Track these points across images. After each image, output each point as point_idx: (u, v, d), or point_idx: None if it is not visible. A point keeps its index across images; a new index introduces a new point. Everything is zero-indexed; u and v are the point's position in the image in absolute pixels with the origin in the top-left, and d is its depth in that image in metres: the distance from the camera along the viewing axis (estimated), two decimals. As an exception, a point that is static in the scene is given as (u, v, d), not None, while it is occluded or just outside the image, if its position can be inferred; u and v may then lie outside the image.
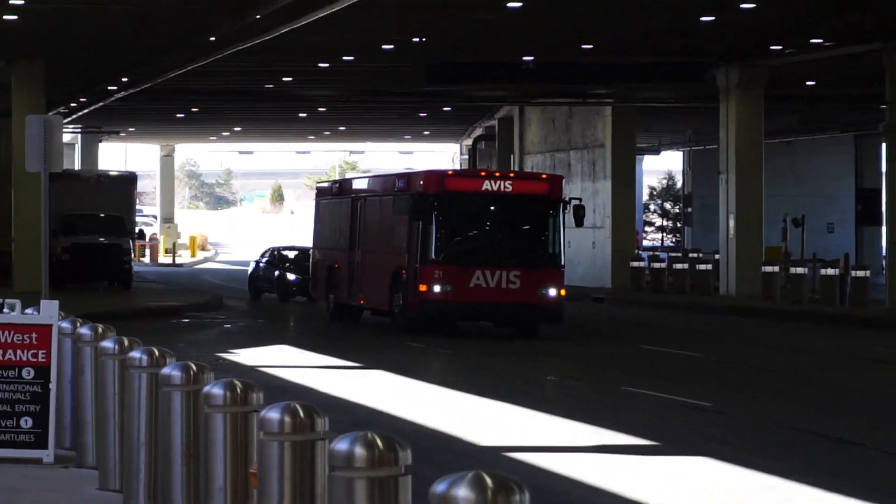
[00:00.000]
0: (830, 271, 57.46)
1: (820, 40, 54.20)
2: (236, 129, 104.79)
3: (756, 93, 60.32)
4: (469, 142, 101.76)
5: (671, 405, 27.51)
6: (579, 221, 42.01)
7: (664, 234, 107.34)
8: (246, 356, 35.04)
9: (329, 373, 32.31)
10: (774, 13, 47.64)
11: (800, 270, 60.04)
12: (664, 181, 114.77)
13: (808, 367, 36.13)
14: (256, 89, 71.38)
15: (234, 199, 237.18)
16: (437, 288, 39.10)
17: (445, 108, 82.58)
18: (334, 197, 51.30)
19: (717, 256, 64.09)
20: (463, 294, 38.97)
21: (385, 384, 30.41)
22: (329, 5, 37.96)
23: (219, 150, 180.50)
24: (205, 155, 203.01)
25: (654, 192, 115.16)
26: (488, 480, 7.51)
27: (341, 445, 8.94)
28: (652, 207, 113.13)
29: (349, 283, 46.23)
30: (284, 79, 67.87)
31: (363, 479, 8.88)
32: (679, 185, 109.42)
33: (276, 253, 62.19)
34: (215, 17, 43.55)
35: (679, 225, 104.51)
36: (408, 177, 44.45)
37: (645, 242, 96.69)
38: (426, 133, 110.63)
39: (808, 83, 66.64)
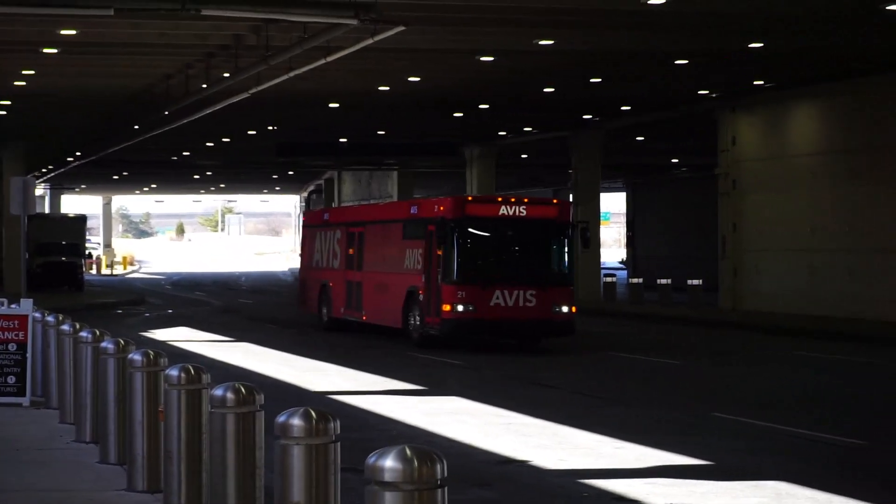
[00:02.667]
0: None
1: (530, 129, 54.78)
2: (153, 185, 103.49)
3: (490, 162, 60.72)
4: (305, 194, 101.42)
5: (437, 363, 27.50)
6: (586, 243, 32.25)
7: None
8: (159, 334, 34.49)
9: (214, 344, 31.95)
10: (502, 112, 48.01)
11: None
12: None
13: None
14: (166, 160, 70.56)
15: (152, 231, 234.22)
16: (459, 307, 29.74)
17: (290, 172, 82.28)
18: (325, 224, 39.67)
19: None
20: (483, 312, 29.90)
21: (252, 351, 30.13)
22: (210, 107, 37.75)
23: (141, 199, 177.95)
24: (132, 202, 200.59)
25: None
26: (312, 413, 7.51)
27: (217, 392, 8.89)
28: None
29: (347, 300, 36.08)
30: (184, 153, 67.30)
31: (232, 414, 8.84)
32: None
33: None
34: (138, 113, 43.07)
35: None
36: (421, 203, 33.70)
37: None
38: (277, 188, 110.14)
39: (524, 156, 67.21)
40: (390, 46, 29.08)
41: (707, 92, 42.45)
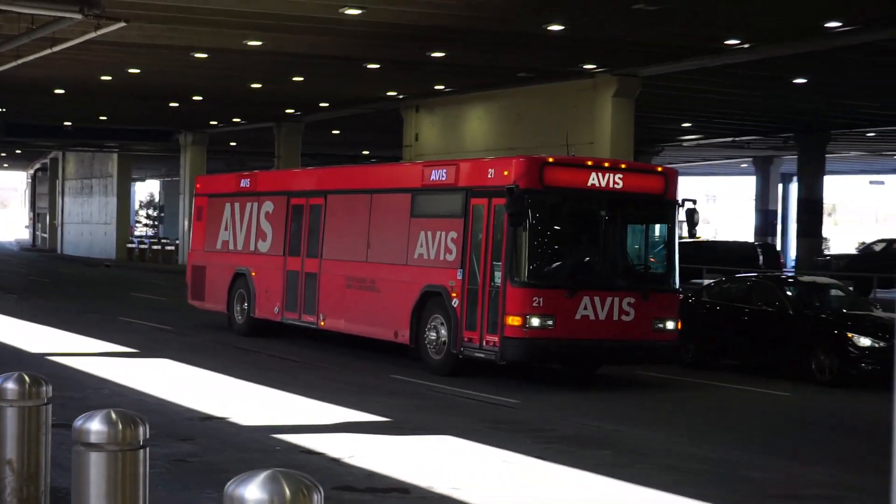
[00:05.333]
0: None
1: (238, 120, 54.16)
2: None
3: (201, 148, 59.80)
4: (32, 171, 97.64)
5: (150, 329, 26.81)
6: (693, 228, 20.92)
7: (148, 228, 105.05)
8: None
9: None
10: (213, 104, 47.27)
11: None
12: (148, 197, 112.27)
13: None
14: None
15: None
16: (535, 321, 17.97)
17: (17, 151, 79.06)
18: (242, 193, 26.34)
19: (177, 241, 63.29)
20: (566, 329, 18.19)
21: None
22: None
23: None
24: None
25: (143, 203, 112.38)
26: (25, 377, 7.19)
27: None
28: (141, 213, 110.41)
29: (287, 297, 24.00)
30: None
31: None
32: (157, 199, 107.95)
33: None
34: None
35: (156, 223, 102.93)
36: (455, 167, 20.37)
37: (137, 232, 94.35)
38: (5, 165, 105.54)
39: (232, 143, 66.43)
40: (112, 40, 28.27)
41: (395, 93, 42.75)
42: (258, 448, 12.60)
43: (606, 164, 19.32)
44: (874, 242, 48.32)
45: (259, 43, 31.04)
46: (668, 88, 37.68)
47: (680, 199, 19.97)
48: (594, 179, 18.95)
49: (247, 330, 25.37)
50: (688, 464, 12.61)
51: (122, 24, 24.64)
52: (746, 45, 29.44)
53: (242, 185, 26.72)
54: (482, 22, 27.50)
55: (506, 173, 18.72)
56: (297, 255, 24.07)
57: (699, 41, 29.04)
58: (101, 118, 55.31)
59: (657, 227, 20.05)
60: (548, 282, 18.33)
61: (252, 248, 25.69)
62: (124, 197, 70.67)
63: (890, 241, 45.77)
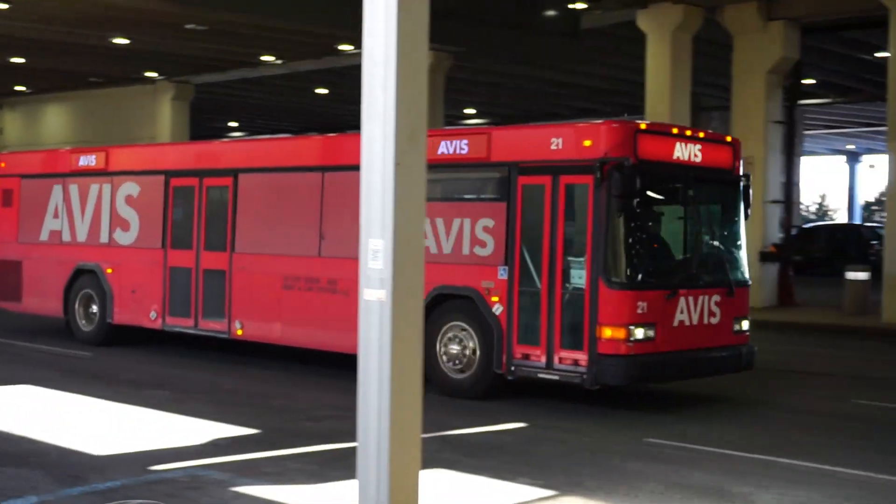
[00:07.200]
0: None
1: None
2: None
3: None
4: None
5: None
6: (748, 207, 12.97)
7: None
8: None
9: None
10: None
11: None
12: None
13: None
14: None
15: None
16: (638, 332, 11.16)
17: None
18: (85, 172, 17.47)
19: None
20: (666, 340, 11.48)
21: None
22: None
23: None
24: None
25: None
26: None
27: None
28: None
29: (172, 300, 16.08)
30: None
31: None
32: None
33: None
34: None
35: None
36: (488, 136, 12.72)
37: None
38: None
39: None
40: None
41: (-22, 93, 40.42)
42: None
43: (689, 133, 12.60)
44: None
45: None
46: (218, 94, 37.87)
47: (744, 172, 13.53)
48: (679, 151, 12.38)
49: (101, 338, 17.43)
50: (230, 398, 13.01)
51: None
52: (279, 62, 30.17)
53: (83, 163, 17.78)
54: (53, 34, 26.62)
55: (587, 143, 11.83)
56: (186, 248, 16.05)
57: (241, 56, 29.47)
58: None
59: (730, 207, 13.15)
60: (651, 282, 11.77)
61: (105, 239, 17.29)
62: None
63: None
